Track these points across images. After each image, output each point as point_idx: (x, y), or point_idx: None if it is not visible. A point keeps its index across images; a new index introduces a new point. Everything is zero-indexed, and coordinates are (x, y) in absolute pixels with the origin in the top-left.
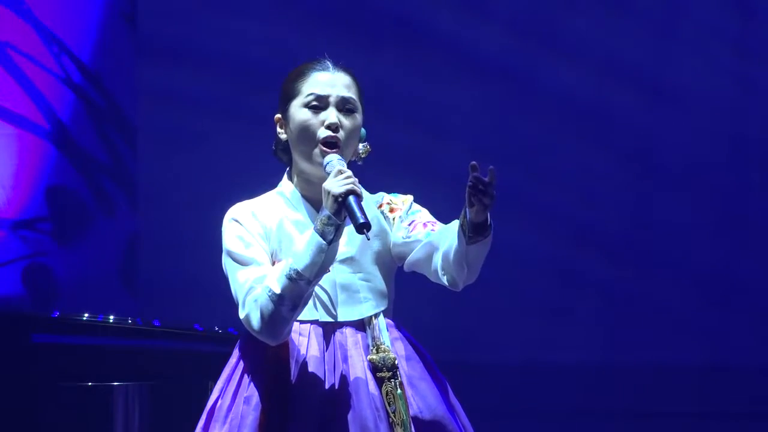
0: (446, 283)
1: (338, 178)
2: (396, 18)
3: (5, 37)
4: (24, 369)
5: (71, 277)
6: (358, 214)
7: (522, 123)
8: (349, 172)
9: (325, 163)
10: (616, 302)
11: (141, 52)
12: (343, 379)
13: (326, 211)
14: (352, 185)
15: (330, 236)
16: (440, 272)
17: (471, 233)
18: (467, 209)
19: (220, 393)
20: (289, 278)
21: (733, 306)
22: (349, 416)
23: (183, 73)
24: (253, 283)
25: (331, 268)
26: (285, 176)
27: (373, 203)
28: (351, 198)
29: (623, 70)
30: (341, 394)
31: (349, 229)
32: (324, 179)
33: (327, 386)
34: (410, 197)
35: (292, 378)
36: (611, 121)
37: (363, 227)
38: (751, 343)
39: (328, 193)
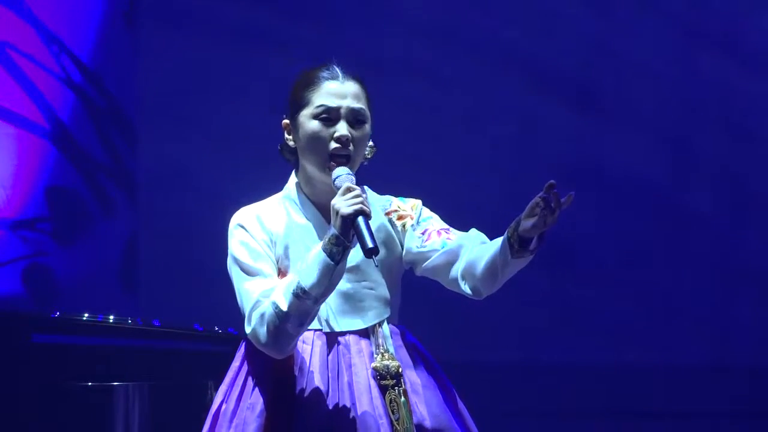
0: (468, 291)
1: (346, 197)
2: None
3: (5, 37)
4: (24, 369)
5: (71, 277)
6: (367, 238)
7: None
8: (358, 190)
9: (334, 177)
10: (619, 302)
11: (141, 52)
12: (347, 387)
13: (334, 231)
14: (360, 205)
15: (338, 257)
16: (461, 281)
17: (519, 246)
18: (522, 222)
19: (224, 397)
20: (296, 296)
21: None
22: (353, 425)
23: (183, 72)
24: (259, 296)
25: None
26: (291, 180)
27: (380, 209)
28: (360, 219)
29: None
30: (345, 403)
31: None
32: (332, 187)
33: (330, 395)
34: (419, 202)
35: (296, 386)
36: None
37: (371, 252)
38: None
39: (337, 212)
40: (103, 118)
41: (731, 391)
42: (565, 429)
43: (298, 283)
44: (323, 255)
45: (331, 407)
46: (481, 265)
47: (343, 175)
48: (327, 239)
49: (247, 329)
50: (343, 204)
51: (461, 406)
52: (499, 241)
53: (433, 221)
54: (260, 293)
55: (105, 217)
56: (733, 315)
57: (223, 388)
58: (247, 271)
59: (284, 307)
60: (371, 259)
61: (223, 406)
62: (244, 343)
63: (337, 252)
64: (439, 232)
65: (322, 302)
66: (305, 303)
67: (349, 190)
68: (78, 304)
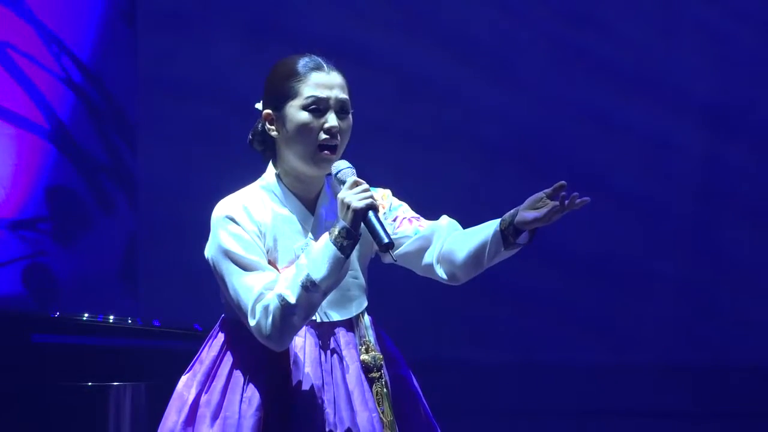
0: (443, 276)
1: (355, 191)
2: None
3: (5, 37)
4: (24, 369)
5: (71, 277)
6: (382, 233)
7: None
8: (366, 184)
9: (335, 171)
10: (617, 302)
11: (141, 52)
12: (341, 381)
13: (344, 224)
14: (371, 200)
15: (348, 250)
16: (436, 266)
17: (513, 238)
18: (521, 213)
19: (202, 387)
20: (305, 288)
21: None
22: (350, 418)
23: (183, 72)
24: (262, 289)
25: None
26: (270, 170)
27: None
28: (371, 214)
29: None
30: (340, 398)
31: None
32: (316, 178)
33: (326, 390)
34: (388, 191)
35: (292, 381)
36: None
37: (388, 247)
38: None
39: (348, 206)
40: (103, 118)
41: (731, 391)
42: (564, 429)
43: (308, 275)
44: (333, 248)
45: (327, 403)
46: (463, 253)
47: (344, 168)
48: (337, 232)
49: (251, 322)
50: (354, 198)
51: (421, 395)
52: (485, 229)
53: (403, 209)
54: (263, 286)
55: (105, 217)
56: (732, 314)
57: (198, 377)
58: (243, 264)
59: (292, 300)
60: (388, 253)
61: (203, 397)
62: (221, 333)
63: (348, 245)
64: (410, 220)
65: (328, 294)
66: (314, 295)
67: (356, 183)
68: (78, 304)
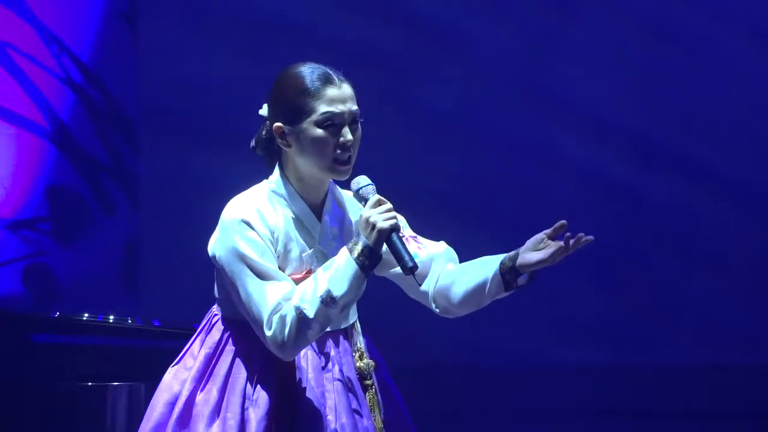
0: (435, 309)
1: (379, 210)
2: None
3: (5, 37)
4: (24, 369)
5: (71, 277)
6: (407, 257)
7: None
8: (389, 204)
9: (357, 187)
10: (617, 302)
11: (141, 52)
12: (342, 388)
13: (367, 242)
14: (395, 220)
15: (370, 269)
16: (431, 299)
17: (514, 283)
18: (522, 255)
19: (197, 384)
20: (324, 303)
21: None
22: (350, 426)
23: (183, 72)
24: (280, 299)
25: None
26: (276, 174)
27: (358, 209)
28: (394, 235)
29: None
30: (342, 407)
31: (339, 233)
32: (324, 181)
33: (328, 396)
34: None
35: (296, 386)
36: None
37: (412, 270)
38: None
39: (373, 226)
40: (103, 118)
41: (730, 391)
42: (564, 429)
43: (328, 290)
44: (355, 266)
45: (329, 410)
46: (461, 291)
47: (365, 185)
48: (359, 251)
49: (267, 333)
50: (379, 218)
51: (402, 401)
52: (483, 269)
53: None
54: (281, 296)
55: (105, 217)
56: (731, 314)
57: (192, 374)
58: (258, 271)
59: (310, 314)
60: (411, 276)
61: (199, 395)
62: (217, 331)
63: (369, 265)
64: (408, 240)
65: (345, 310)
66: (331, 310)
67: (380, 203)
68: (78, 304)
